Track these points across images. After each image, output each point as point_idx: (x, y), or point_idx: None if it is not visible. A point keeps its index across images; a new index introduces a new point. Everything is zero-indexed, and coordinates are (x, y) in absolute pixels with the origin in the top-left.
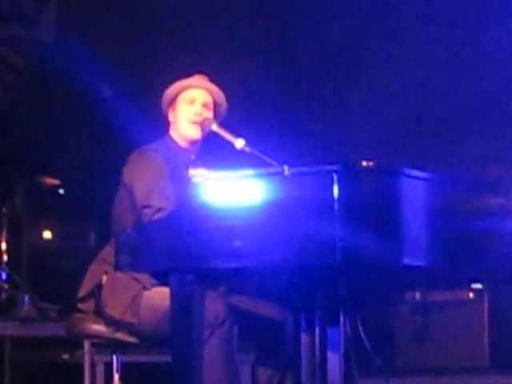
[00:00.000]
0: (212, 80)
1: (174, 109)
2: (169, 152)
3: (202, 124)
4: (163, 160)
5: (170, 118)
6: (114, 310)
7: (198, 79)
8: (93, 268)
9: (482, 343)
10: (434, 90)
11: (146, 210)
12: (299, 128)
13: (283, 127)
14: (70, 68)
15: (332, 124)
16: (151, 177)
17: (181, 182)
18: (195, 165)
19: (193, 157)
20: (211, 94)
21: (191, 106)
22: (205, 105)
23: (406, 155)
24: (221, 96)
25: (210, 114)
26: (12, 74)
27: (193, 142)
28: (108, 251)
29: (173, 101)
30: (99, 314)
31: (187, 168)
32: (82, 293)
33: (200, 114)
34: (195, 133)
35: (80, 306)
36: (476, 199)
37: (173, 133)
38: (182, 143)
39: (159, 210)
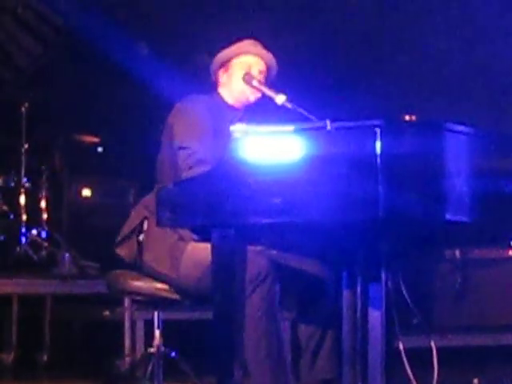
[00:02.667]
0: (264, 46)
1: (226, 71)
2: (216, 106)
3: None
4: (209, 113)
5: (222, 80)
6: (152, 259)
7: (253, 45)
8: (133, 213)
9: None
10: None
11: (182, 152)
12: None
13: (323, 84)
14: (107, 28)
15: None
16: (191, 123)
17: (224, 137)
18: (241, 121)
19: (245, 120)
20: (265, 61)
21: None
22: (260, 71)
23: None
24: (273, 62)
25: (263, 80)
26: (51, 32)
27: (244, 104)
28: (150, 199)
29: (226, 63)
30: (138, 260)
31: (233, 124)
32: (120, 236)
33: (254, 77)
34: (249, 96)
35: (118, 250)
36: None
37: (224, 92)
38: (232, 102)
39: (194, 153)
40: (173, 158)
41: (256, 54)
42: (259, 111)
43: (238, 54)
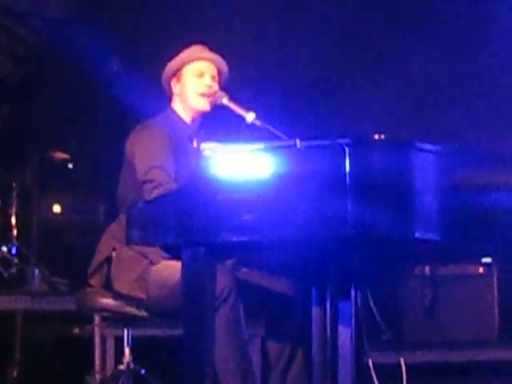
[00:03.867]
0: (211, 49)
1: (179, 80)
2: (171, 126)
3: (213, 96)
4: (165, 134)
5: (175, 91)
6: (122, 286)
7: (202, 50)
8: (101, 245)
9: (492, 317)
10: (445, 63)
11: (147, 185)
12: (309, 103)
13: (293, 102)
14: (79, 43)
15: (343, 98)
16: (152, 151)
17: (185, 155)
18: (200, 137)
19: (202, 132)
20: (216, 64)
21: (200, 78)
22: (213, 77)
23: (415, 130)
24: (224, 65)
25: (216, 86)
26: (23, 49)
27: (199, 114)
28: (115, 228)
29: (177, 72)
30: (108, 288)
31: (191, 141)
32: (91, 268)
33: (210, 87)
34: (205, 105)
35: (90, 281)
36: (487, 174)
37: (177, 105)
38: (185, 116)
39: (160, 184)
40: (137, 191)
41: (206, 59)
42: (214, 125)
43: (188, 61)
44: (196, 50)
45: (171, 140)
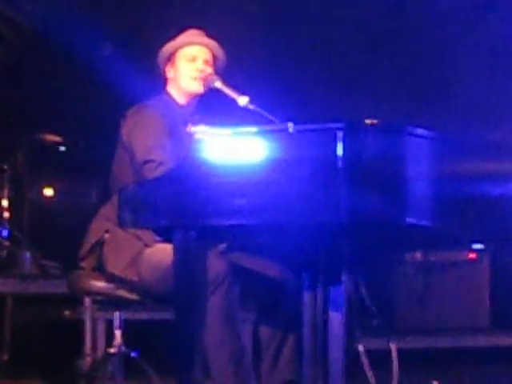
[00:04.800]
0: (209, 35)
1: (172, 65)
2: (166, 108)
3: (205, 79)
4: (162, 115)
5: (169, 75)
6: (115, 267)
7: (197, 35)
8: (93, 226)
9: (483, 303)
10: (440, 50)
11: (149, 165)
12: (301, 88)
13: (286, 87)
14: (71, 27)
15: (334, 84)
16: (150, 132)
17: (179, 138)
18: (194, 121)
19: (196, 116)
20: (211, 49)
21: (192, 63)
22: (205, 61)
23: (408, 117)
24: (220, 51)
25: (210, 70)
26: (14, 33)
27: (194, 97)
28: (108, 209)
29: (171, 57)
30: (100, 270)
31: (185, 124)
32: (83, 251)
33: (202, 71)
34: (198, 87)
35: (82, 264)
36: (479, 161)
37: (171, 89)
38: (180, 99)
39: (161, 163)
40: (135, 172)
41: (200, 44)
42: (208, 110)
43: (181, 46)
44: (191, 34)
45: (167, 123)
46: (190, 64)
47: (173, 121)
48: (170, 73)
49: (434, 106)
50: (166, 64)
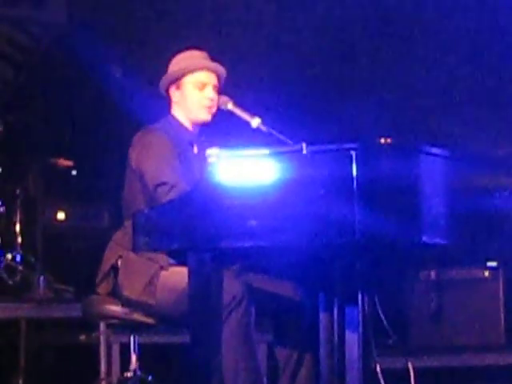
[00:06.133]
0: (209, 53)
1: (178, 89)
2: (172, 131)
3: (217, 105)
4: (168, 138)
5: (174, 98)
6: (131, 292)
7: (203, 59)
8: (107, 253)
9: (498, 321)
10: (444, 67)
11: (161, 188)
12: (314, 108)
13: (297, 107)
14: (81, 49)
15: (347, 102)
16: (159, 156)
17: (187, 160)
18: (200, 143)
19: (203, 138)
20: (218, 74)
21: (201, 90)
22: (214, 87)
23: (417, 134)
24: (223, 71)
25: (217, 97)
26: (23, 55)
27: (200, 125)
28: (120, 235)
29: (177, 81)
30: (115, 296)
31: (192, 146)
32: (98, 278)
33: (212, 100)
34: (206, 116)
35: (99, 290)
36: (492, 177)
37: (177, 112)
38: (186, 123)
39: (174, 186)
40: (147, 198)
41: (208, 69)
42: (214, 131)
43: (188, 72)
44: (197, 58)
45: (174, 145)
46: (200, 92)
47: (179, 143)
48: (174, 96)
49: (442, 124)
50: (170, 87)
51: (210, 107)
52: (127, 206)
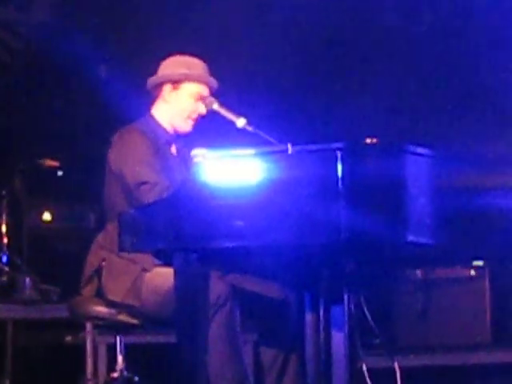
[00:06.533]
0: (204, 61)
1: (175, 89)
2: (150, 130)
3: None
4: (148, 138)
5: (167, 97)
6: (115, 295)
7: (204, 72)
8: (90, 256)
9: (484, 320)
10: (435, 67)
11: (143, 187)
12: (300, 108)
13: (284, 107)
14: (66, 49)
15: (333, 103)
16: (138, 155)
17: (164, 159)
18: (179, 143)
19: (181, 140)
20: (210, 88)
21: (196, 102)
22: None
23: (406, 133)
24: (215, 88)
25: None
26: (8, 56)
27: (178, 132)
28: (103, 237)
29: (176, 83)
30: (100, 298)
31: (169, 146)
32: (82, 281)
33: (199, 114)
34: (189, 129)
35: (83, 292)
36: (478, 177)
37: (160, 112)
38: (165, 124)
39: (156, 184)
40: (128, 198)
41: (206, 84)
42: (196, 131)
43: (191, 80)
44: (200, 69)
45: (152, 144)
46: (194, 104)
47: (157, 143)
48: (168, 95)
49: (428, 123)
50: (165, 84)
51: (195, 121)
52: (108, 208)
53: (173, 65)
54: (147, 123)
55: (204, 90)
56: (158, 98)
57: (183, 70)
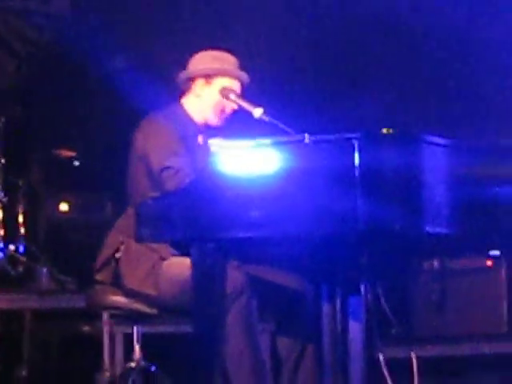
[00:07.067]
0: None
1: (208, 84)
2: (178, 120)
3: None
4: (174, 126)
5: (199, 91)
6: (133, 282)
7: (237, 68)
8: (109, 239)
9: (500, 310)
10: (447, 58)
11: (167, 172)
12: (317, 99)
13: (301, 98)
14: (84, 40)
15: (349, 94)
16: (165, 141)
17: (190, 150)
18: (208, 134)
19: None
20: (242, 83)
21: (229, 101)
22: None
23: (420, 123)
24: (247, 82)
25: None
26: (26, 47)
27: (206, 124)
28: (123, 222)
29: (209, 77)
30: (117, 284)
31: (196, 137)
32: (98, 263)
33: (229, 112)
34: (220, 123)
35: (98, 276)
36: (495, 166)
37: (191, 104)
38: (195, 116)
39: (179, 170)
40: (152, 182)
41: (239, 79)
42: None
43: (224, 75)
44: (233, 64)
45: (179, 134)
46: (228, 102)
47: (184, 132)
48: (200, 89)
49: (442, 114)
50: (198, 78)
51: (226, 117)
52: (132, 192)
53: (205, 59)
54: (176, 111)
55: (236, 85)
56: (189, 92)
57: (216, 65)
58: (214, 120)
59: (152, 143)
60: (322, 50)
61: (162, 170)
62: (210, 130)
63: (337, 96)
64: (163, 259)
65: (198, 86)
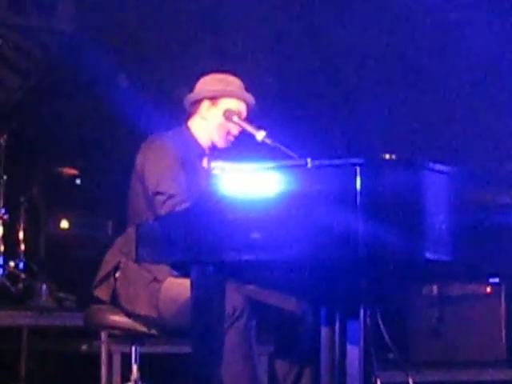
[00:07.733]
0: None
1: (214, 105)
2: (182, 141)
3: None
4: (176, 149)
5: (205, 114)
6: (131, 304)
7: (242, 90)
8: (108, 257)
9: (499, 337)
10: (448, 85)
11: (158, 197)
12: (319, 123)
13: (303, 122)
14: (87, 58)
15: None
16: (162, 164)
17: (193, 172)
18: (213, 156)
19: (216, 152)
20: (248, 105)
21: (232, 123)
22: (244, 118)
23: (419, 151)
24: (253, 103)
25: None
26: (30, 64)
27: (212, 146)
28: (122, 242)
29: (214, 99)
30: (115, 302)
31: (201, 159)
32: (97, 279)
33: (235, 135)
34: (225, 144)
35: (96, 292)
36: (496, 193)
37: (197, 126)
38: (201, 138)
39: (171, 196)
40: (148, 202)
41: (244, 101)
42: (224, 150)
43: (229, 96)
44: (237, 86)
45: (181, 156)
46: (234, 125)
47: (188, 154)
48: (206, 111)
49: (443, 140)
50: (203, 100)
51: (234, 137)
52: (131, 210)
53: (210, 82)
54: (181, 133)
55: (241, 106)
56: (195, 115)
57: (221, 87)
58: (219, 142)
59: (149, 166)
60: (327, 75)
61: (154, 194)
62: (216, 152)
63: (337, 120)
64: (158, 281)
65: (204, 107)
